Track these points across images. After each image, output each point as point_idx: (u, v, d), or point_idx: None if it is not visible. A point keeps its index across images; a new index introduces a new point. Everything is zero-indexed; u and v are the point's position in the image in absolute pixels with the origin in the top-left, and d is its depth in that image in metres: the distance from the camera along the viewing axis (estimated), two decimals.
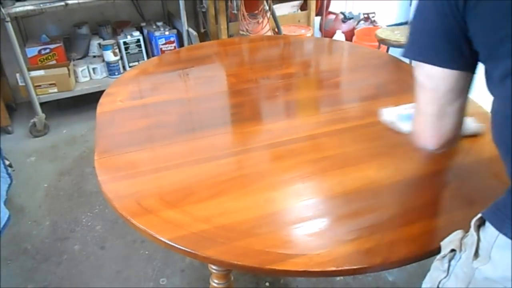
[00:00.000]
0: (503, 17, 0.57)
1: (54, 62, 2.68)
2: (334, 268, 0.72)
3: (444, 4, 0.62)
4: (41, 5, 2.29)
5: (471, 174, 0.96)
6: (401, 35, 2.44)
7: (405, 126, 1.05)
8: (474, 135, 1.06)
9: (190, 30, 2.73)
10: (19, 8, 2.28)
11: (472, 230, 0.63)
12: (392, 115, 1.13)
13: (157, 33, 2.84)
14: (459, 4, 0.61)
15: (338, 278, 1.55)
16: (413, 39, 0.69)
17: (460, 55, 0.65)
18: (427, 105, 0.70)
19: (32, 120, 2.54)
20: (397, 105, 1.17)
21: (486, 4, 0.59)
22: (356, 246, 0.76)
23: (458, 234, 0.69)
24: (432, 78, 0.68)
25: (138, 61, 2.83)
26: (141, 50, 2.85)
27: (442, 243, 0.70)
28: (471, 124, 1.06)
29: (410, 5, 4.18)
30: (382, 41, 2.46)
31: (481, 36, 0.61)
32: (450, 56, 0.66)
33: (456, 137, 0.74)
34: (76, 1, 2.35)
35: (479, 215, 0.63)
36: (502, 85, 0.59)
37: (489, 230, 0.60)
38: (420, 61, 0.68)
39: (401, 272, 1.56)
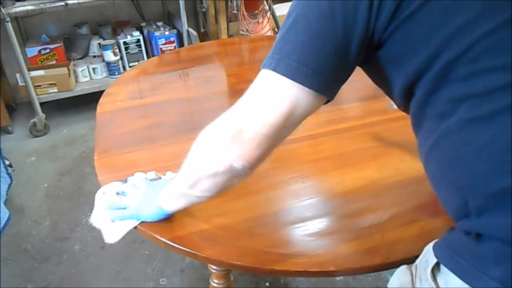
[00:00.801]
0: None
1: (54, 62, 2.68)
2: (334, 268, 0.72)
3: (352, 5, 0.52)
4: (41, 5, 2.29)
5: None
6: None
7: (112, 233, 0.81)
8: None
9: (190, 30, 2.73)
10: (19, 8, 2.27)
11: (430, 280, 0.55)
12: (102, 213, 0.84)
13: (157, 33, 2.84)
14: (384, 8, 0.52)
15: (338, 278, 1.55)
16: (292, 49, 0.56)
17: (342, 81, 0.61)
18: (265, 122, 0.58)
19: (32, 120, 2.54)
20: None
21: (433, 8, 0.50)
22: (356, 246, 0.76)
23: (404, 274, 0.62)
24: (296, 100, 0.57)
25: (138, 61, 2.83)
26: (141, 50, 2.85)
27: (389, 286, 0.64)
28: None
29: None
30: None
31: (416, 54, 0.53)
32: (334, 82, 0.59)
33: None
34: (76, 1, 2.35)
35: (434, 262, 0.55)
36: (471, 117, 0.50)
37: (450, 279, 0.52)
38: (294, 79, 0.55)
39: None
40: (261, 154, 0.60)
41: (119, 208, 0.83)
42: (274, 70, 0.57)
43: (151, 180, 0.87)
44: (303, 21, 0.56)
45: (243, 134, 0.59)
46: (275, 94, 0.57)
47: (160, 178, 0.89)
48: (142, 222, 0.80)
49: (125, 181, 0.89)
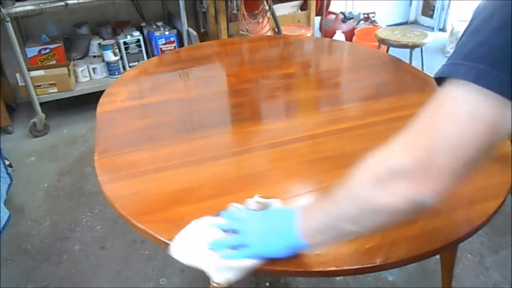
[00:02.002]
0: None
1: (54, 62, 2.68)
2: (334, 268, 0.72)
3: None
4: (41, 5, 2.29)
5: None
6: (401, 35, 2.44)
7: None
8: None
9: (190, 30, 2.73)
10: (19, 8, 2.27)
11: None
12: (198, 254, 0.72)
13: (157, 33, 2.84)
14: None
15: (338, 278, 1.55)
16: (491, 53, 0.45)
17: None
18: (461, 146, 0.46)
19: (32, 120, 2.54)
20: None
21: None
22: (356, 246, 0.76)
23: None
24: (501, 114, 0.45)
25: (138, 61, 2.83)
26: (141, 50, 2.85)
27: None
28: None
29: (410, 5, 4.19)
30: (382, 41, 2.46)
31: None
32: None
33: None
34: (76, 1, 2.35)
35: None
36: None
37: None
38: (502, 93, 0.44)
39: (401, 272, 1.56)
40: (456, 182, 0.48)
41: (232, 246, 0.69)
42: (474, 81, 0.45)
43: (255, 210, 0.75)
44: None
45: (436, 163, 0.47)
46: (475, 113, 0.45)
47: (266, 202, 0.77)
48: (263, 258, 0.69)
49: (219, 215, 0.76)
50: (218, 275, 0.69)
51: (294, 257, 0.73)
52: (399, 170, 0.49)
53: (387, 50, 2.55)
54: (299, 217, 0.64)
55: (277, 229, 0.67)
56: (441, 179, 0.47)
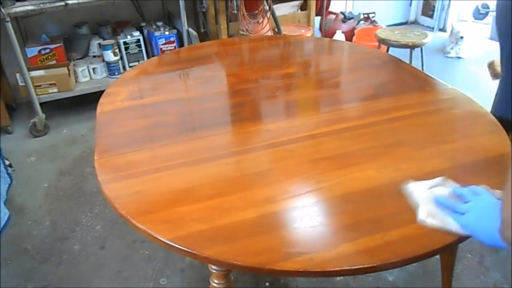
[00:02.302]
0: None
1: (54, 62, 2.68)
2: (334, 268, 0.72)
3: None
4: (41, 5, 2.29)
5: (471, 174, 0.96)
6: (401, 35, 2.44)
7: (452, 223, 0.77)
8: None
9: (190, 30, 2.73)
10: (19, 8, 2.28)
11: None
12: (431, 212, 0.80)
13: (157, 33, 2.84)
14: None
15: (338, 278, 1.55)
16: None
17: None
18: None
19: (32, 120, 2.54)
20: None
21: None
22: (356, 246, 0.76)
23: None
24: None
25: (138, 61, 2.83)
26: (141, 50, 2.85)
27: None
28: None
29: (410, 5, 4.19)
30: (382, 41, 2.46)
31: None
32: None
33: None
34: (76, 1, 2.35)
35: None
36: None
37: None
38: None
39: (401, 272, 1.56)
40: None
41: (452, 209, 0.77)
42: None
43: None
44: None
45: None
46: None
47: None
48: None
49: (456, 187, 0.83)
50: (425, 215, 0.79)
51: (294, 257, 0.74)
52: None
53: (387, 50, 2.55)
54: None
55: (491, 215, 0.68)
56: None
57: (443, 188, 0.84)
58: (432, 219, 0.79)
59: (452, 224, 0.76)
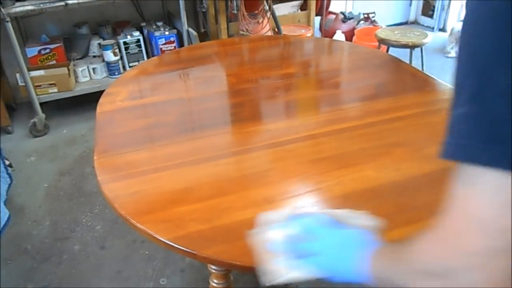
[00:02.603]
0: None
1: (54, 62, 2.68)
2: None
3: None
4: (41, 5, 2.29)
5: None
6: (401, 35, 2.44)
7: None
8: None
9: (190, 30, 2.73)
10: (19, 8, 2.27)
11: None
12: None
13: (157, 33, 2.84)
14: None
15: None
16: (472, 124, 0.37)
17: None
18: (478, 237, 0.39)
19: (32, 120, 2.54)
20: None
21: None
22: None
23: None
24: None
25: (138, 61, 2.83)
26: (141, 50, 2.85)
27: None
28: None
29: (410, 5, 4.19)
30: (382, 41, 2.46)
31: None
32: None
33: None
34: (76, 1, 2.35)
35: None
36: None
37: None
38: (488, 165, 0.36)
39: None
40: None
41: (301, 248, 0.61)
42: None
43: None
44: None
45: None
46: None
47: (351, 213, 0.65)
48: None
49: (292, 217, 0.65)
50: (267, 275, 0.65)
51: None
52: None
53: (387, 50, 2.55)
54: (374, 257, 0.54)
55: (347, 249, 0.58)
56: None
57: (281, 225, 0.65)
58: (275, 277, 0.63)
59: (297, 273, 0.61)
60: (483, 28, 0.37)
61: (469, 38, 0.39)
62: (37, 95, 2.53)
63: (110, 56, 2.74)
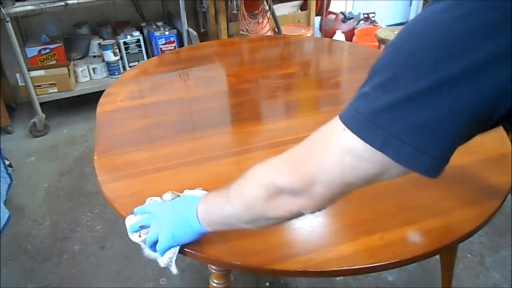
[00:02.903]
0: None
1: (54, 62, 2.68)
2: (334, 268, 0.72)
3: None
4: (41, 5, 2.29)
5: (471, 175, 0.96)
6: None
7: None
8: None
9: (190, 30, 2.73)
10: (19, 8, 2.28)
11: None
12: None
13: (157, 33, 2.84)
14: None
15: (338, 278, 1.55)
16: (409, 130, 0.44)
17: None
18: (344, 182, 0.50)
19: (32, 120, 2.54)
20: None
21: None
22: (356, 246, 0.76)
23: None
24: (388, 171, 0.49)
25: (138, 61, 2.83)
26: (141, 50, 2.85)
27: None
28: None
29: (410, 5, 4.19)
30: (382, 41, 2.46)
31: None
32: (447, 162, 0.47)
33: None
34: (76, 1, 2.35)
35: None
36: None
37: None
38: (403, 163, 0.46)
39: (401, 272, 1.56)
40: (332, 203, 0.55)
41: (150, 243, 0.75)
42: (380, 148, 0.45)
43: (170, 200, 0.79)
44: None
45: (316, 187, 0.52)
46: (365, 161, 0.47)
47: (178, 196, 0.80)
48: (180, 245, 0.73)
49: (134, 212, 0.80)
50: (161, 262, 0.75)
51: (294, 257, 0.73)
52: (286, 189, 0.56)
53: None
54: (199, 206, 0.69)
55: (181, 218, 0.71)
56: (319, 201, 0.54)
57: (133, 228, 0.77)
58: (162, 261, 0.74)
59: (164, 255, 0.73)
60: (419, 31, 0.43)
61: (408, 35, 0.45)
62: (37, 95, 2.53)
63: (110, 56, 2.74)
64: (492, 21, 0.38)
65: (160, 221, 0.73)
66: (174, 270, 0.73)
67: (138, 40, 2.81)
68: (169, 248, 0.73)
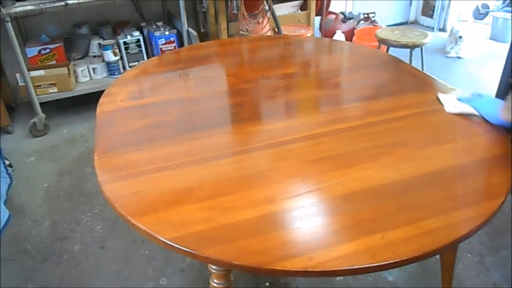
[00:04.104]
0: None
1: (54, 62, 2.68)
2: (334, 268, 0.72)
3: None
4: (41, 5, 2.29)
5: (471, 175, 0.96)
6: (401, 35, 2.44)
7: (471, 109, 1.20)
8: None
9: (190, 30, 2.74)
10: (19, 8, 2.28)
11: None
12: (455, 104, 1.24)
13: (157, 33, 2.84)
14: None
15: (338, 278, 1.55)
16: None
17: None
18: None
19: (32, 120, 2.54)
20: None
21: None
22: (356, 246, 0.76)
23: None
24: None
25: (138, 61, 2.83)
26: (141, 50, 2.85)
27: None
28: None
29: (410, 5, 4.19)
30: (382, 41, 2.46)
31: None
32: None
33: None
34: (76, 1, 2.35)
35: None
36: None
37: None
38: None
39: (401, 272, 1.56)
40: None
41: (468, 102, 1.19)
42: None
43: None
44: None
45: None
46: None
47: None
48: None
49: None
50: (453, 108, 1.21)
51: (294, 257, 0.74)
52: None
53: (387, 50, 2.55)
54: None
55: (494, 108, 1.11)
56: None
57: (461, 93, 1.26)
58: (455, 108, 1.20)
59: (469, 108, 1.17)
60: None
61: None
62: (37, 95, 2.53)
63: (110, 56, 2.74)
64: None
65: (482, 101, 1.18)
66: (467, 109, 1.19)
67: (138, 40, 2.81)
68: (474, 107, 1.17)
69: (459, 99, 1.21)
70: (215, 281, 0.95)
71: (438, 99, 1.26)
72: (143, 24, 3.01)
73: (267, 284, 1.55)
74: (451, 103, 1.22)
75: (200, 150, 1.07)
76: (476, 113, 1.15)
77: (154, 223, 0.82)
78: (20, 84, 2.55)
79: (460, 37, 3.40)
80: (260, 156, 1.05)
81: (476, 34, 3.81)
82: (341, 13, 3.65)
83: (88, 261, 1.68)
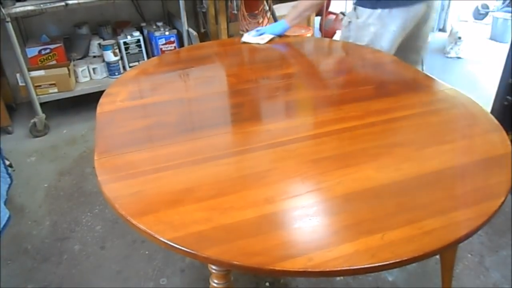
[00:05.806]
0: None
1: (54, 62, 2.68)
2: (334, 268, 0.72)
3: None
4: (41, 5, 2.29)
5: (471, 175, 0.96)
6: None
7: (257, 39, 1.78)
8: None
9: (190, 30, 2.74)
10: (19, 8, 2.28)
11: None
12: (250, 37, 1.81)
13: (157, 33, 2.84)
14: None
15: (338, 278, 1.55)
16: None
17: None
18: None
19: (32, 120, 2.54)
20: None
21: None
22: (356, 246, 0.76)
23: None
24: None
25: (138, 61, 2.84)
26: (141, 50, 2.85)
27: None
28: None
29: None
30: None
31: None
32: None
33: None
34: (76, 1, 2.36)
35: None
36: None
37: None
38: None
39: (401, 272, 1.56)
40: None
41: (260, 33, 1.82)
42: None
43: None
44: None
45: None
46: None
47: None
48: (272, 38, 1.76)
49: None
50: (252, 40, 1.78)
51: (294, 257, 0.74)
52: None
53: None
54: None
55: (281, 24, 1.85)
56: None
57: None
58: (250, 38, 1.80)
59: (265, 37, 1.79)
60: None
61: None
62: (37, 95, 2.53)
63: (110, 56, 2.74)
64: None
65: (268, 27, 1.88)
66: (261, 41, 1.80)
67: (138, 40, 2.82)
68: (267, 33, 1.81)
69: (257, 31, 1.79)
70: (215, 281, 0.95)
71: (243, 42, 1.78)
72: (143, 24, 3.01)
73: (267, 284, 1.55)
74: (249, 37, 1.78)
75: (200, 150, 1.07)
76: (270, 36, 1.76)
77: (154, 223, 0.82)
78: (20, 84, 2.55)
79: (460, 37, 3.40)
80: (260, 156, 1.05)
81: (476, 35, 3.81)
82: (341, 13, 3.65)
83: (88, 261, 1.68)
